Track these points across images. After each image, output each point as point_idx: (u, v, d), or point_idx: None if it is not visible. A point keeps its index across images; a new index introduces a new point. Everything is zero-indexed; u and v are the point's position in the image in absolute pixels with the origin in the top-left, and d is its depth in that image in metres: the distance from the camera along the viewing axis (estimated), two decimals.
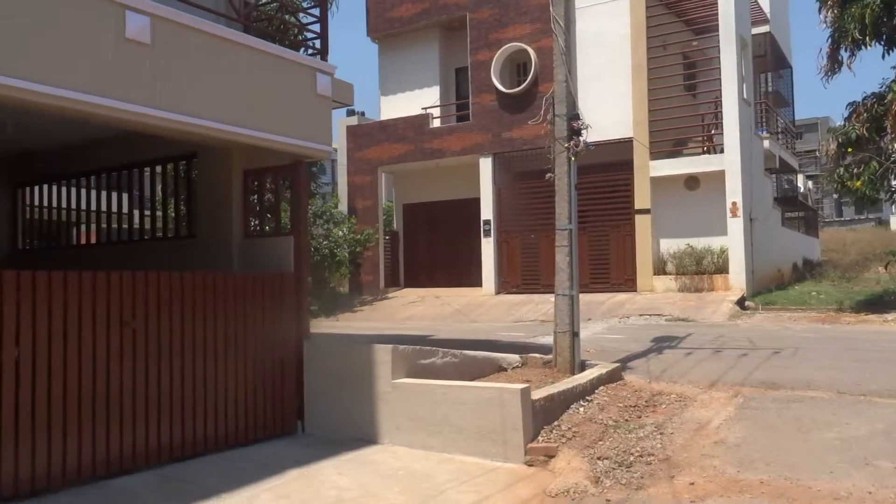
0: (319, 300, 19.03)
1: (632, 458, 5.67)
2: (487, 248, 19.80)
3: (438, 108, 21.72)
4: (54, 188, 10.15)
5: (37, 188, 10.35)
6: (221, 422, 6.54)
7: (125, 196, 10.38)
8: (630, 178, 18.01)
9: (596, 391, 7.25)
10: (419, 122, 21.22)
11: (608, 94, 17.67)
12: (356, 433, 6.87)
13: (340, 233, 20.46)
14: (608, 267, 18.33)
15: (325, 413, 7.15)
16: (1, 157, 10.05)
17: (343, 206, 22.64)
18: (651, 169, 17.77)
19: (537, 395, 6.46)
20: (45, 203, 10.31)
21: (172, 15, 5.99)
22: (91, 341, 5.57)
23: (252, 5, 7.69)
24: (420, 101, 21.83)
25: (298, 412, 7.25)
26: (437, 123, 21.48)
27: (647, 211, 17.78)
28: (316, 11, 8.06)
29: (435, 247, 22.03)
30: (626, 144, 17.79)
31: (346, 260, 20.36)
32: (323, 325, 15.61)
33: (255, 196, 8.52)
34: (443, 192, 21.66)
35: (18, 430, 5.08)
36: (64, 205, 10.12)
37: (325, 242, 19.67)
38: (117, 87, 5.53)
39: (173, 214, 9.13)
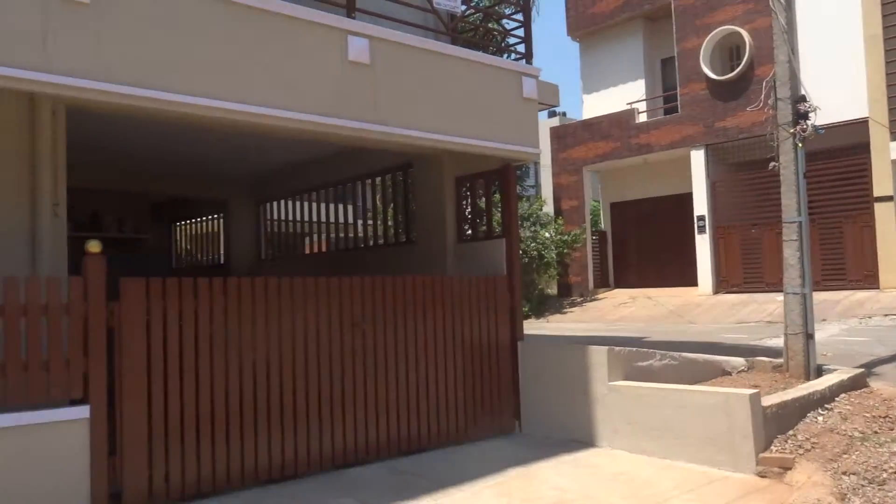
0: (529, 301, 19.20)
1: (885, 475, 5.08)
2: (703, 245, 18.77)
3: (644, 103, 21.00)
4: (289, 203, 11.22)
5: (275, 204, 11.49)
6: (444, 419, 6.82)
7: (349, 207, 11.21)
8: (866, 162, 16.17)
9: (836, 399, 6.59)
10: (624, 118, 20.67)
11: (836, 72, 16.00)
12: (572, 435, 6.83)
13: (547, 234, 20.48)
14: (843, 262, 16.59)
15: (541, 414, 7.20)
16: (246, 178, 11.30)
17: (549, 208, 22.65)
18: (893, 151, 15.83)
19: (768, 401, 6.01)
20: (282, 217, 11.42)
21: (388, 35, 6.37)
22: (328, 341, 6.07)
23: (458, 17, 7.96)
24: (624, 96, 21.25)
25: (515, 412, 7.36)
26: (643, 118, 20.78)
27: (889, 198, 15.85)
28: (519, 17, 8.17)
29: (645, 245, 21.32)
30: (860, 125, 16.00)
31: (554, 261, 20.33)
32: (533, 327, 15.72)
33: (467, 201, 8.80)
34: (652, 188, 20.91)
35: (270, 423, 5.67)
36: (297, 218, 11.15)
37: (532, 244, 19.81)
38: (343, 108, 5.99)
39: (392, 223, 9.70)
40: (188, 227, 13.41)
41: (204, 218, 12.71)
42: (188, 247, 13.59)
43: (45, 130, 5.15)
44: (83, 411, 4.77)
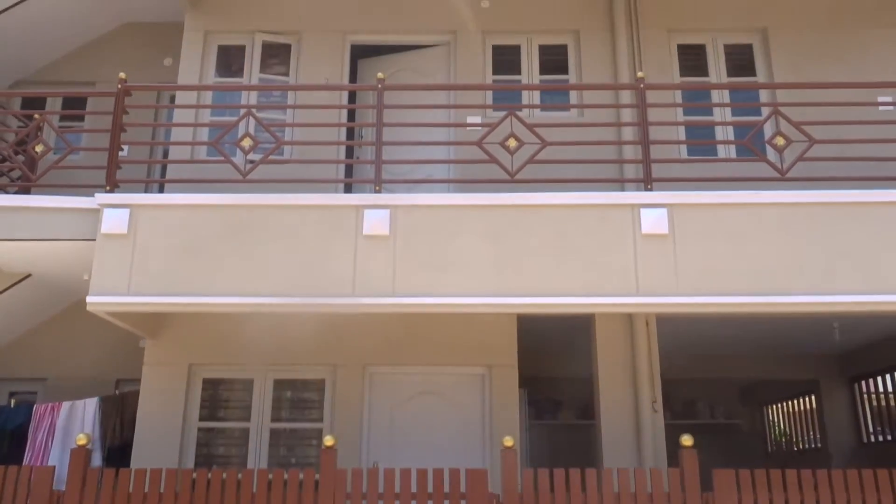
0: None
1: None
2: None
3: None
4: (891, 378, 10.17)
5: (871, 381, 10.58)
6: None
7: None
8: None
9: None
10: None
11: None
12: None
13: None
14: None
15: None
16: (834, 354, 10.83)
17: None
18: None
19: None
20: (888, 392, 10.35)
21: None
22: None
23: None
24: None
25: None
26: None
27: None
28: None
29: None
30: None
31: None
32: None
33: None
34: None
35: None
36: None
37: None
38: None
39: None
40: (779, 408, 13.21)
41: (794, 399, 12.38)
42: (781, 429, 13.30)
43: (640, 339, 6.21)
44: None
